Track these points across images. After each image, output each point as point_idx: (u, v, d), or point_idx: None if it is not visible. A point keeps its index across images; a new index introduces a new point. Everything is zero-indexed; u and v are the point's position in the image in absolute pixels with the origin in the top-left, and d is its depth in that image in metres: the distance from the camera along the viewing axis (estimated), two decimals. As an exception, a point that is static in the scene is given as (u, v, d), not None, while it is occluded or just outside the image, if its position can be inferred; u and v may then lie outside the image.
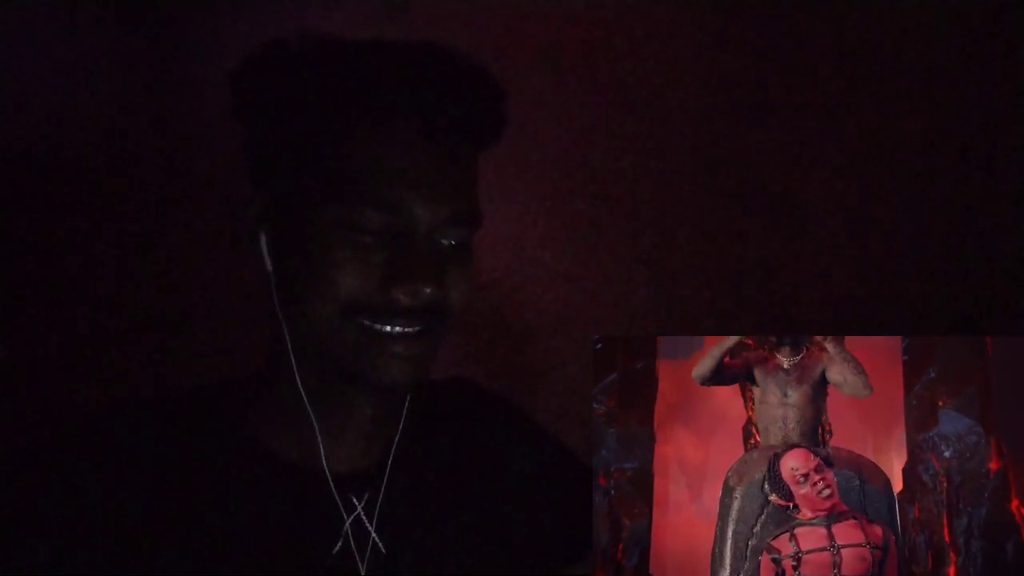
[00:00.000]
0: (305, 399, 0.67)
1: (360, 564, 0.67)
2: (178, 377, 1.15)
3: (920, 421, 0.82)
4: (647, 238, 1.41)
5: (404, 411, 0.74)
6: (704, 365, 0.85)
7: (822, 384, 0.85)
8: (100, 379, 1.13)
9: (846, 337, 0.85)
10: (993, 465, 0.79)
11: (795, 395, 0.84)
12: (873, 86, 1.43)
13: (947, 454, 0.80)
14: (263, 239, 0.66)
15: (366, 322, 0.63)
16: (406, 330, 0.63)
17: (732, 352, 0.85)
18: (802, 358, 0.85)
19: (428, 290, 0.62)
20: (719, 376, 0.85)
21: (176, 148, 1.17)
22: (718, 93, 1.42)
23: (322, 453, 0.68)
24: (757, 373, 0.86)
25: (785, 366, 0.85)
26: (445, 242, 0.65)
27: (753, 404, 0.87)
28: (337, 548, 0.67)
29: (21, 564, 0.60)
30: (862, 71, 1.43)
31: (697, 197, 1.43)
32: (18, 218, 1.12)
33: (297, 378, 0.67)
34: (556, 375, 1.38)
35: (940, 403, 0.81)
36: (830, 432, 0.85)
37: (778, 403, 0.84)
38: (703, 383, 0.85)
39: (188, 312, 1.18)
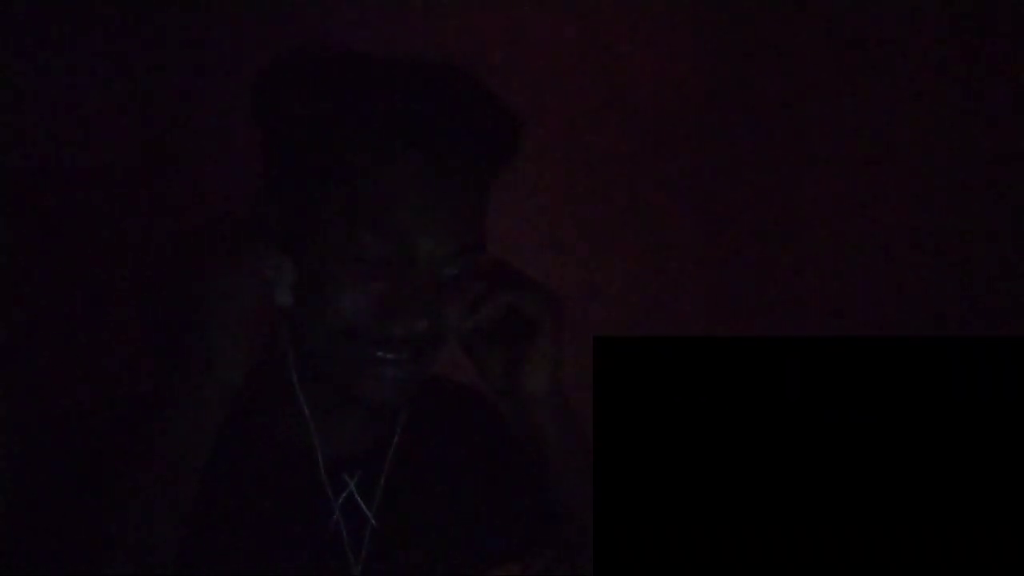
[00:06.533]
0: (298, 388, 0.67)
1: (349, 552, 0.67)
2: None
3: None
4: (647, 238, 1.41)
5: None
6: None
7: None
8: (97, 380, 1.13)
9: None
10: None
11: None
12: (875, 85, 1.43)
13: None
14: None
15: (359, 345, 0.62)
16: (399, 356, 0.63)
17: None
18: None
19: (425, 323, 0.62)
20: None
21: (181, 152, 1.17)
22: (718, 93, 1.41)
23: (313, 435, 0.67)
24: None
25: None
26: (447, 272, 0.64)
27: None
28: (329, 527, 0.66)
29: (20, 562, 0.60)
30: (863, 70, 1.42)
31: (697, 196, 1.42)
32: (17, 218, 1.12)
33: (294, 375, 0.67)
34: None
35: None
36: None
37: None
38: None
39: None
